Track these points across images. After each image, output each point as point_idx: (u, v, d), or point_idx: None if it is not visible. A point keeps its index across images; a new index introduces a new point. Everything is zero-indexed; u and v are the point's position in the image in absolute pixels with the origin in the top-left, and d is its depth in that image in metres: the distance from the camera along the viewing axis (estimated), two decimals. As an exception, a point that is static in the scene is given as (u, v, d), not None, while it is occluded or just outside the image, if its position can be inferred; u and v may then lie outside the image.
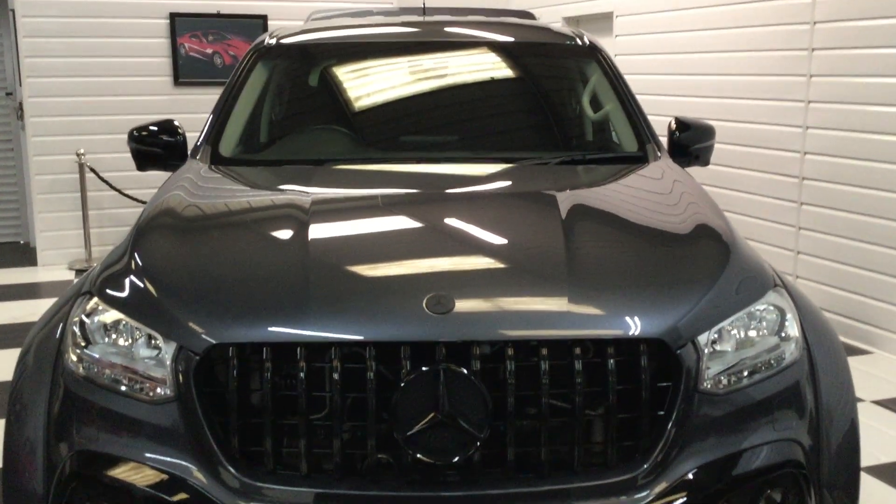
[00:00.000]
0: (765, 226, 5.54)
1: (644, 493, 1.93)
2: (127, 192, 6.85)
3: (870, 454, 3.43)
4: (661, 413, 1.97)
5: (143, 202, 2.51)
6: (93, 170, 6.77)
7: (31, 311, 5.72)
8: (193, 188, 2.72)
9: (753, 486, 2.00)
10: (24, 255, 7.46)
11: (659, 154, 3.11)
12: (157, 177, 3.16)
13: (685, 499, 1.94)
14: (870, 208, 4.84)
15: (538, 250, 2.26)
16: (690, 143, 3.25)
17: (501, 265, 2.20)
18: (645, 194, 2.75)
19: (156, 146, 3.20)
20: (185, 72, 7.01)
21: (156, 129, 3.23)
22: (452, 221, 2.41)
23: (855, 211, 4.94)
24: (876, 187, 4.80)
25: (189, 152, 3.21)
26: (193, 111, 6.60)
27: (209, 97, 5.85)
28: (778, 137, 5.40)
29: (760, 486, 2.01)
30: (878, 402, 4.14)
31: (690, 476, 1.95)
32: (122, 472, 1.95)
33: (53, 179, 6.91)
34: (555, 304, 2.02)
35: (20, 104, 7.16)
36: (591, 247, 2.26)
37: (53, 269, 6.96)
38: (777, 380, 2.08)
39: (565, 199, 2.48)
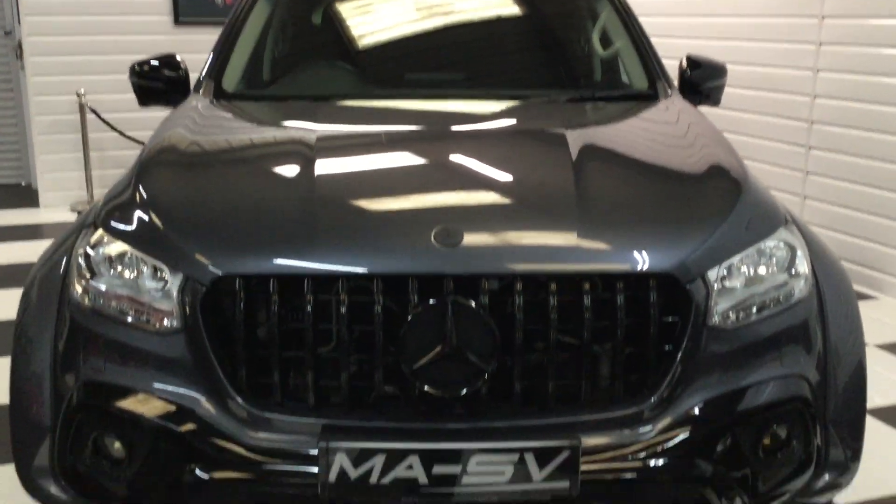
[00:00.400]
0: (772, 171, 5.49)
1: (649, 427, 1.93)
2: (128, 133, 6.79)
3: (868, 397, 3.44)
4: (669, 348, 1.96)
5: (145, 144, 2.49)
6: (93, 110, 6.70)
7: (34, 251, 5.70)
8: (197, 122, 2.69)
9: (759, 421, 2.01)
10: (26, 196, 7.43)
11: (670, 92, 3.07)
12: (160, 118, 3.13)
13: (691, 433, 1.94)
14: (879, 153, 4.79)
15: (547, 186, 2.23)
16: (702, 81, 3.21)
17: (510, 200, 2.17)
18: (655, 132, 2.72)
19: (158, 81, 3.16)
20: (186, 11, 6.89)
21: (157, 63, 3.19)
22: (460, 157, 2.38)
23: (864, 155, 4.89)
24: (886, 131, 4.75)
25: (192, 87, 3.17)
26: (194, 51, 6.51)
27: (210, 37, 5.77)
28: (788, 80, 5.32)
29: (766, 422, 2.02)
30: (882, 346, 4.15)
31: (696, 410, 1.95)
32: (129, 403, 1.95)
33: (54, 120, 6.85)
34: (564, 238, 2.00)
35: (19, 43, 7.06)
36: (601, 182, 2.24)
37: (55, 210, 6.93)
38: (785, 316, 2.07)
39: (575, 137, 2.45)
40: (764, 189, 2.34)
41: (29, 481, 2.12)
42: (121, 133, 6.78)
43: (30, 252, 5.71)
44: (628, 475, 1.91)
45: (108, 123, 6.74)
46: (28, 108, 7.07)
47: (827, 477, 2.17)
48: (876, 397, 3.53)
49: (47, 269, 2.26)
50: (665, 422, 1.94)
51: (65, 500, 2.10)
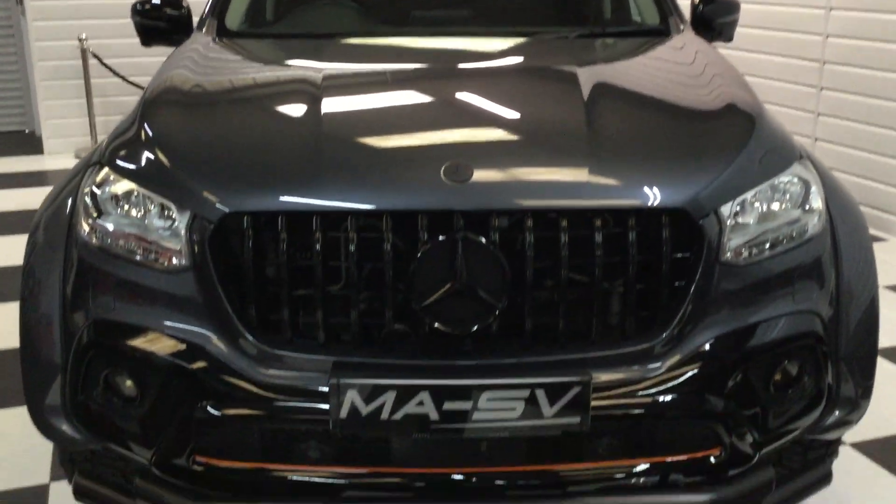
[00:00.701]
0: (783, 112, 5.43)
1: (660, 363, 1.92)
2: (131, 79, 6.73)
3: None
4: (681, 284, 1.95)
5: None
6: (96, 55, 6.64)
7: (39, 198, 5.68)
8: (201, 61, 2.66)
9: (771, 357, 2.00)
10: (30, 143, 7.41)
11: (682, 28, 3.02)
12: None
13: (702, 369, 1.93)
14: (892, 93, 4.73)
15: (558, 122, 2.20)
16: (714, 16, 3.15)
17: (521, 136, 2.15)
18: (668, 68, 2.67)
19: (159, 19, 3.11)
20: (187, -47, 6.78)
21: (159, 2, 3.14)
22: (470, 94, 2.35)
23: (876, 96, 4.83)
24: (898, 70, 4.68)
25: (195, 26, 3.12)
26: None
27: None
28: (800, 20, 5.23)
29: (778, 358, 2.01)
30: (890, 287, 4.14)
31: (708, 346, 1.94)
32: (139, 341, 1.94)
33: (56, 66, 6.79)
34: (576, 174, 1.97)
35: (19, -13, 6.98)
36: (613, 119, 2.20)
37: (60, 157, 6.91)
38: (799, 252, 2.05)
39: (586, 74, 2.41)
40: (779, 124, 2.31)
41: (41, 421, 2.12)
42: (123, 78, 6.72)
43: (35, 199, 5.66)
44: (639, 411, 1.91)
45: (110, 69, 6.68)
46: (30, 54, 7.00)
47: (837, 413, 2.16)
48: (882, 338, 3.52)
49: (53, 210, 2.25)
50: (676, 358, 1.93)
51: (77, 439, 2.11)
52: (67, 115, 6.91)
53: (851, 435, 2.93)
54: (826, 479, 2.30)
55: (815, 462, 2.30)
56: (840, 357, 2.13)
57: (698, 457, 1.99)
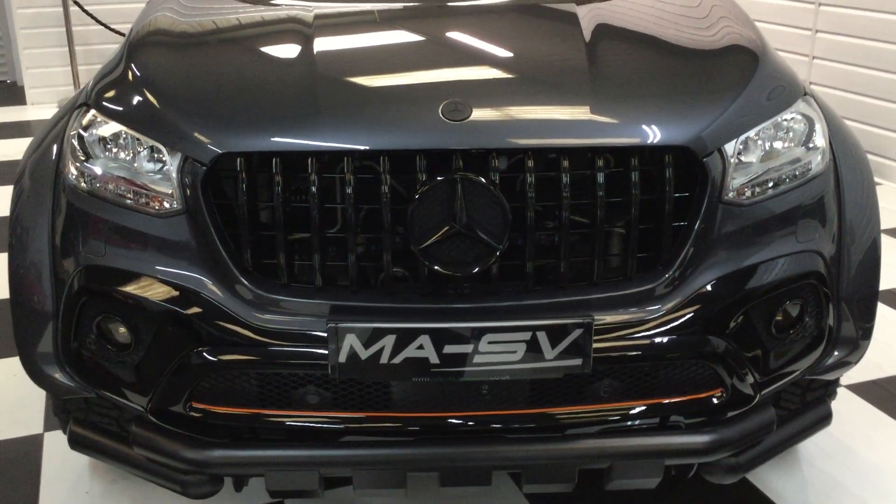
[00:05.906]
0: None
1: (663, 304, 1.90)
2: (113, 26, 6.60)
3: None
4: (683, 224, 1.92)
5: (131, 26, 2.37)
6: (77, 2, 6.49)
7: (22, 149, 5.60)
8: (186, 1, 2.57)
9: (773, 297, 1.97)
10: (13, 94, 7.28)
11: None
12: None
13: (704, 310, 1.91)
14: (884, 34, 4.67)
15: (558, 61, 2.15)
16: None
17: (520, 75, 2.09)
18: (670, 4, 2.60)
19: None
20: None
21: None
22: (468, 33, 2.29)
23: (869, 37, 4.76)
24: (891, 11, 4.61)
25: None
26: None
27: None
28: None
29: (780, 298, 1.98)
30: (885, 231, 4.12)
31: (710, 287, 1.92)
32: (132, 287, 1.90)
33: (37, 13, 6.64)
34: (576, 112, 1.92)
35: (-5, -68, 6.78)
36: (615, 57, 2.15)
37: (43, 107, 6.79)
38: (802, 191, 2.02)
39: (586, 12, 2.35)
40: (783, 62, 2.26)
41: (33, 369, 2.09)
42: (105, 26, 6.59)
43: (18, 150, 5.61)
44: (641, 352, 1.89)
45: (91, 16, 6.54)
46: (9, 1, 6.84)
47: (837, 354, 2.15)
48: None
49: (39, 155, 2.19)
50: (679, 299, 1.90)
51: (70, 387, 2.08)
52: (50, 64, 6.78)
53: (847, 377, 2.94)
54: (826, 419, 2.30)
55: (814, 403, 2.30)
56: (841, 297, 2.11)
57: (699, 398, 1.97)
